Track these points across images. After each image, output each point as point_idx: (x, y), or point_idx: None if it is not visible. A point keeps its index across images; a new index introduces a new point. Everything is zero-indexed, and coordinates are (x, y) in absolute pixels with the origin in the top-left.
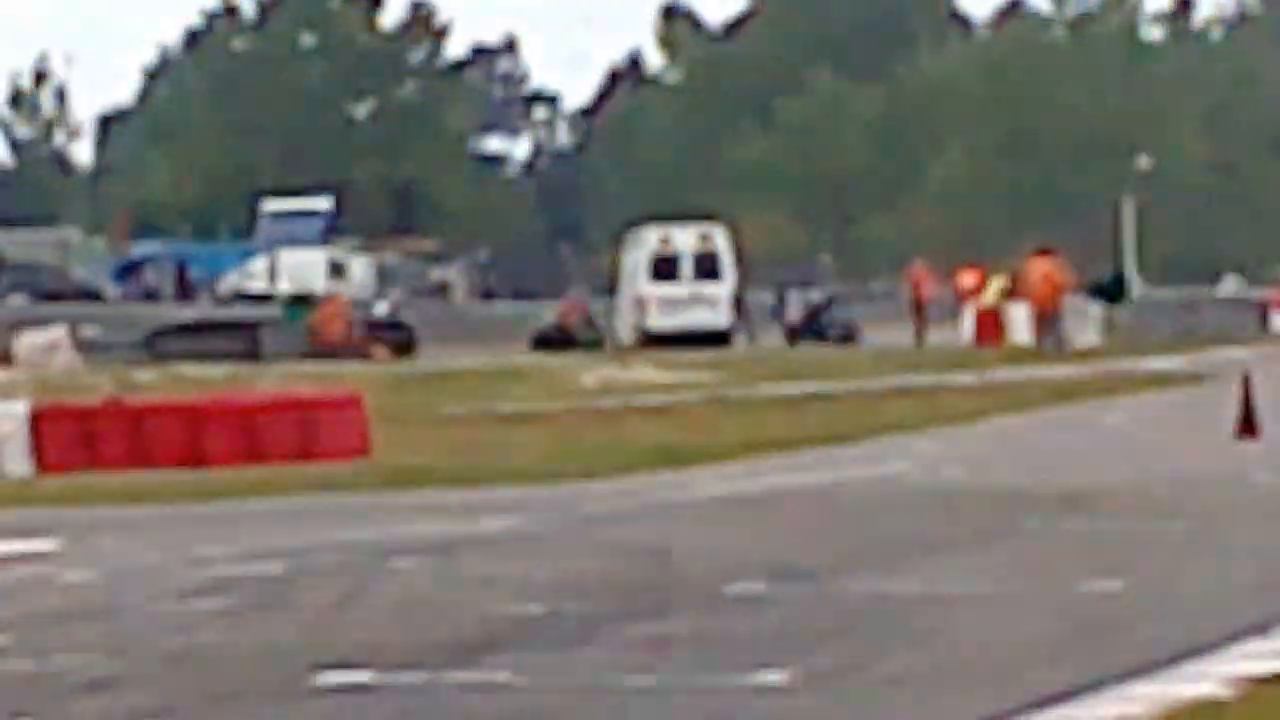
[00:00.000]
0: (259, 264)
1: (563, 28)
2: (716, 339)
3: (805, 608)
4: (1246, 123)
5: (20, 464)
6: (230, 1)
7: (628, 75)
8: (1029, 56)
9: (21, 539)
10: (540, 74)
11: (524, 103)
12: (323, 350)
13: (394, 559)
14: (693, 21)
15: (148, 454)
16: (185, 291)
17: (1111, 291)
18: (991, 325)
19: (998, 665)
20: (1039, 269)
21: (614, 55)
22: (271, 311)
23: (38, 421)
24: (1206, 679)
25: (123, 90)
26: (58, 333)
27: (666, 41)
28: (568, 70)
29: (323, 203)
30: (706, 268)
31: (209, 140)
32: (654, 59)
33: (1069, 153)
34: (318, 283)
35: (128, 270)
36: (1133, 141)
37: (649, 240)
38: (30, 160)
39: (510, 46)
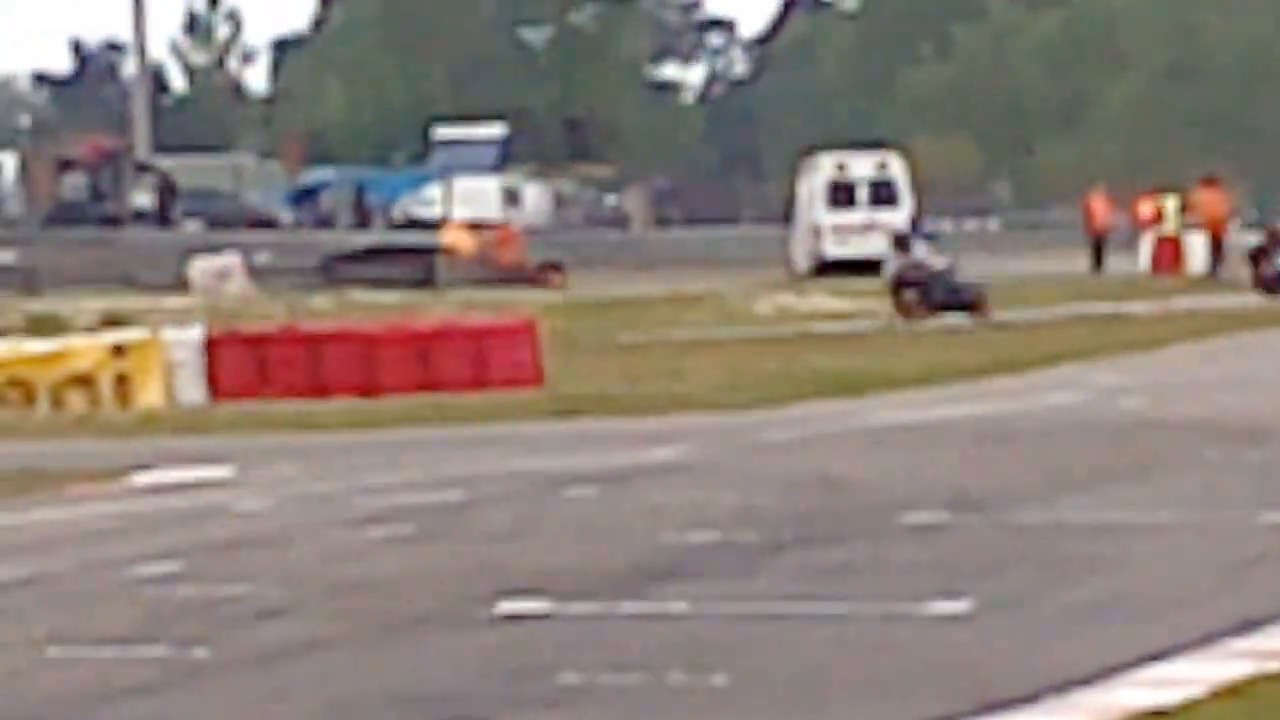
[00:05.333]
0: (433, 191)
1: None
2: None
3: (982, 537)
4: None
5: (194, 391)
6: None
7: (803, 2)
8: None
9: (195, 466)
10: (715, 0)
11: (699, 30)
12: (497, 277)
13: (567, 488)
14: None
15: (321, 381)
16: (362, 218)
17: None
18: (1170, 253)
19: (1176, 595)
20: (1204, 198)
21: None
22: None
23: (212, 348)
24: None
25: (297, 16)
26: (231, 259)
27: None
28: None
29: (497, 129)
30: (883, 195)
31: (383, 66)
32: None
33: (1247, 79)
34: (492, 209)
35: (304, 196)
36: None
37: (825, 168)
38: (205, 87)
39: None
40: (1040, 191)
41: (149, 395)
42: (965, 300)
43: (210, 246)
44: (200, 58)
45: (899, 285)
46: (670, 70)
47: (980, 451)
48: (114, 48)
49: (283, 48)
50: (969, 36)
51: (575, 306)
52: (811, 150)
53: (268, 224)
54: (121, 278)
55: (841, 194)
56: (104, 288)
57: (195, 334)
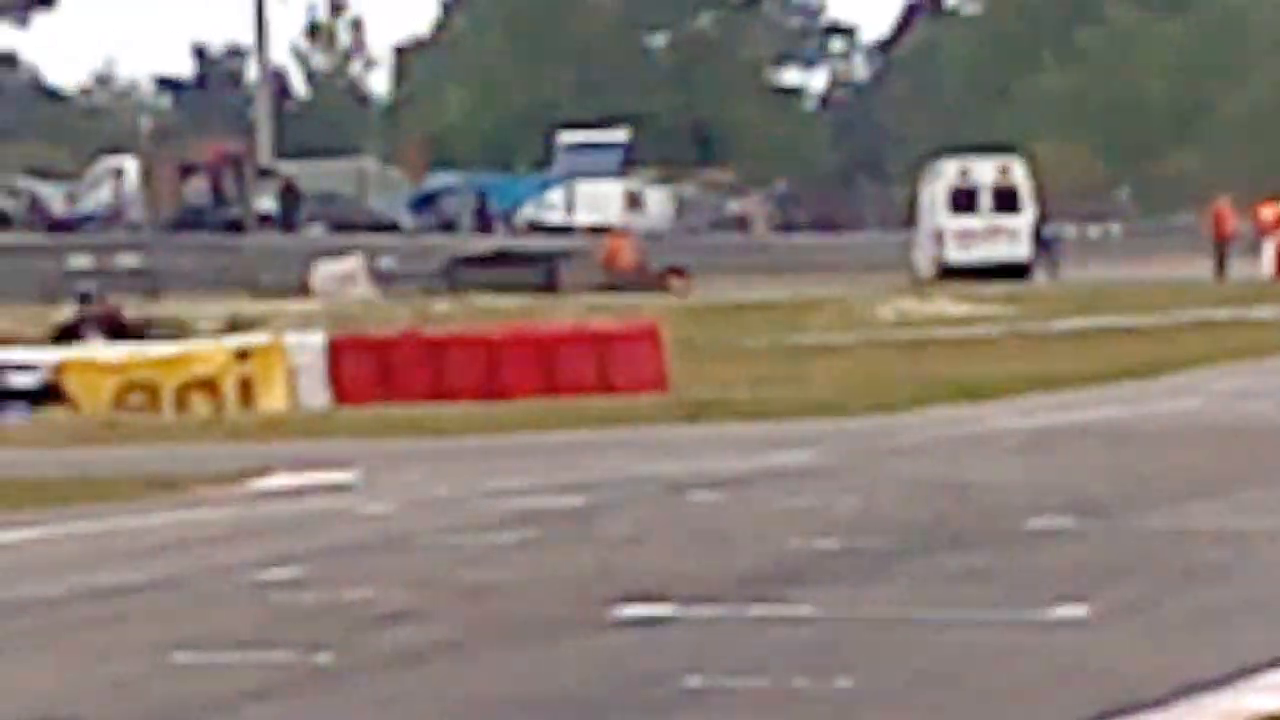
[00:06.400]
0: (556, 195)
1: None
2: (1016, 272)
3: (1104, 542)
4: None
5: (318, 395)
6: None
7: (926, 6)
8: None
9: (319, 471)
10: (837, 5)
11: (821, 34)
12: (619, 282)
13: (691, 492)
14: None
15: (445, 385)
16: (485, 222)
17: None
18: None
19: None
20: None
21: None
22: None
23: (335, 353)
24: None
25: (419, 21)
26: (353, 263)
27: None
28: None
29: (620, 134)
30: (1005, 200)
31: (505, 71)
32: None
33: None
34: (614, 214)
35: (426, 201)
36: None
37: (947, 173)
38: (326, 91)
39: None
40: (1162, 197)
41: (272, 399)
42: None
43: (333, 251)
44: (322, 62)
45: None
46: (792, 75)
47: (1104, 456)
48: (236, 53)
49: (405, 52)
50: (1091, 42)
51: (698, 311)
52: (934, 155)
53: (390, 228)
54: (244, 282)
55: (964, 199)
56: (227, 292)
57: (318, 338)
